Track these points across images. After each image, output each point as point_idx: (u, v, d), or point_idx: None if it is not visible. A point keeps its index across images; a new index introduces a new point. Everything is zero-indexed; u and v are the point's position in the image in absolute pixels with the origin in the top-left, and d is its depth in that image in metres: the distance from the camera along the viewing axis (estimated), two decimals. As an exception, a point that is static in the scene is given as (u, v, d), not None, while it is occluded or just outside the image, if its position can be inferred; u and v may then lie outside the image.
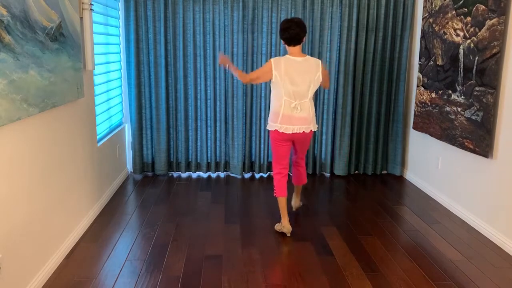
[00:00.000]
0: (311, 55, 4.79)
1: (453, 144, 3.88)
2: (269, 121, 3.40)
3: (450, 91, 3.93)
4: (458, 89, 3.81)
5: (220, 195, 4.36)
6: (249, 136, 4.95)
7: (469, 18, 3.65)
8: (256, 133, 4.95)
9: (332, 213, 3.91)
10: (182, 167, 4.98)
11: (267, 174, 5.09)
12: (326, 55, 4.77)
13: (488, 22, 3.40)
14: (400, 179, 4.97)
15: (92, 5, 3.50)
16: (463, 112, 3.73)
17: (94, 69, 3.54)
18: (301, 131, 3.33)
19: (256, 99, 4.86)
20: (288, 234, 3.44)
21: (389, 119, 5.01)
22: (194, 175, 5.02)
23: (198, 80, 4.83)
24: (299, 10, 4.67)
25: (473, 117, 3.60)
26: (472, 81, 3.60)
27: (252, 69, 4.80)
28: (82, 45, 3.40)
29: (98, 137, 3.98)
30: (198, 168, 5.04)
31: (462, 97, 3.74)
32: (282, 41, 3.41)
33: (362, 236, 3.45)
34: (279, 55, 4.76)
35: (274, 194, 3.48)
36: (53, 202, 2.90)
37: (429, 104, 4.30)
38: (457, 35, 3.82)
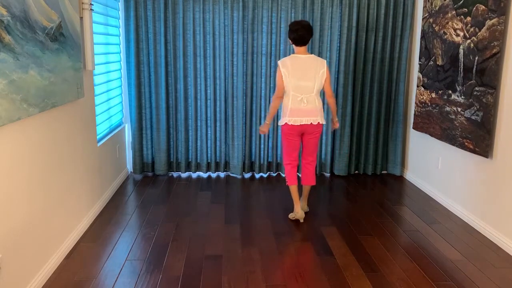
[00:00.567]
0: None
1: (453, 144, 3.88)
2: (280, 118, 3.67)
3: (450, 91, 3.93)
4: (458, 89, 3.81)
5: (220, 195, 4.36)
6: (249, 136, 4.95)
7: (469, 18, 3.65)
8: (256, 133, 4.95)
9: (332, 213, 3.91)
10: (182, 167, 4.98)
11: (267, 174, 5.09)
12: (326, 55, 4.77)
13: (488, 22, 3.40)
14: (400, 179, 4.97)
15: (92, 5, 3.50)
16: (463, 112, 3.73)
17: (94, 69, 3.54)
18: (309, 123, 3.56)
19: (256, 99, 4.86)
20: (301, 221, 3.70)
21: (389, 119, 5.01)
22: (194, 175, 5.02)
23: (198, 80, 4.83)
24: (299, 10, 4.67)
25: (473, 117, 3.60)
26: (472, 81, 3.60)
27: (252, 69, 4.81)
28: (82, 45, 3.41)
29: (98, 137, 3.98)
30: (198, 168, 5.04)
31: (462, 97, 3.74)
32: (290, 41, 3.62)
33: (362, 236, 3.45)
34: (279, 55, 4.77)
35: (286, 183, 3.74)
36: (53, 202, 2.90)
37: (429, 104, 4.30)
38: (457, 35, 3.82)
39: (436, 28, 4.17)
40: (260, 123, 4.92)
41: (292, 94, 3.53)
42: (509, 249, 3.22)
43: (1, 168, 2.26)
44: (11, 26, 2.27)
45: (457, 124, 3.81)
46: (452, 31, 3.90)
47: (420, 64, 4.51)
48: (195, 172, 5.03)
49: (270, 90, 4.85)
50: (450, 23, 3.94)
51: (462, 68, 3.74)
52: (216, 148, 4.97)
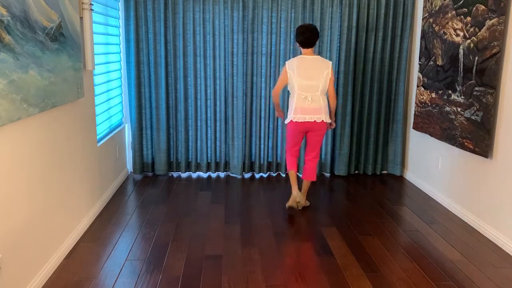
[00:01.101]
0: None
1: (453, 144, 3.88)
2: (286, 116, 3.83)
3: (450, 91, 3.93)
4: (458, 89, 3.81)
5: (220, 195, 4.36)
6: (249, 136, 4.95)
7: (469, 18, 3.65)
8: (256, 133, 4.95)
9: (332, 213, 3.91)
10: (182, 167, 4.98)
11: (267, 174, 5.09)
12: (326, 55, 4.77)
13: (488, 22, 3.40)
14: (400, 179, 4.97)
15: (92, 5, 3.50)
16: (463, 112, 3.73)
17: (94, 69, 3.54)
18: (313, 120, 3.70)
19: (256, 99, 4.86)
20: (299, 207, 3.85)
21: (389, 119, 5.02)
22: (194, 175, 5.02)
23: (198, 80, 4.83)
24: (299, 10, 4.67)
25: (473, 117, 3.60)
26: (472, 81, 3.60)
27: (252, 69, 4.81)
28: (82, 45, 3.41)
29: (98, 137, 3.98)
30: (198, 168, 5.04)
31: (462, 97, 3.74)
32: (297, 43, 3.81)
33: (362, 236, 3.45)
34: (279, 55, 4.77)
35: (288, 169, 3.94)
36: (53, 202, 2.90)
37: (429, 104, 4.30)
38: (457, 35, 3.82)
39: (436, 28, 4.17)
40: (260, 123, 4.92)
41: (298, 92, 3.69)
42: (509, 249, 3.22)
43: (1, 168, 2.26)
44: (11, 26, 2.27)
45: (457, 124, 3.81)
46: (452, 31, 3.90)
47: (420, 64, 4.51)
48: (195, 172, 5.03)
49: (270, 90, 4.85)
50: (450, 23, 3.94)
51: (462, 68, 3.74)
52: (216, 148, 4.97)
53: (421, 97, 4.46)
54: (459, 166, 3.91)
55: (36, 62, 2.56)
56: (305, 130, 3.76)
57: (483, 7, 3.46)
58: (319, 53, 4.79)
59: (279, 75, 4.81)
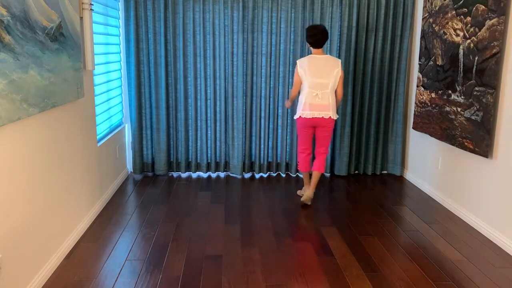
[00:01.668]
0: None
1: (453, 144, 3.88)
2: (295, 112, 3.98)
3: (450, 91, 3.93)
4: (458, 89, 3.81)
5: (220, 195, 4.36)
6: (249, 136, 4.95)
7: (469, 18, 3.65)
8: (256, 133, 4.95)
9: (332, 213, 3.91)
10: (182, 167, 4.98)
11: (267, 174, 5.09)
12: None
13: (488, 22, 3.40)
14: (400, 179, 4.97)
15: (92, 5, 3.50)
16: (463, 112, 3.73)
17: (94, 69, 3.54)
18: (321, 116, 3.89)
19: (256, 99, 4.86)
20: (308, 203, 4.06)
21: (389, 119, 5.02)
22: (194, 175, 5.02)
23: (198, 80, 4.83)
24: (299, 10, 4.67)
25: (473, 117, 3.60)
26: (472, 81, 3.60)
27: (252, 69, 4.81)
28: (82, 45, 3.41)
29: (98, 137, 3.98)
30: (198, 168, 5.04)
31: (462, 97, 3.74)
32: (307, 43, 3.99)
33: (362, 236, 3.45)
34: (279, 55, 4.77)
35: (298, 167, 4.20)
36: (53, 202, 2.90)
37: (429, 104, 4.30)
38: (457, 35, 3.82)
39: (436, 28, 4.17)
40: (260, 123, 4.92)
41: (308, 90, 3.87)
42: (509, 249, 3.22)
43: (1, 168, 2.26)
44: (11, 26, 2.27)
45: (457, 124, 3.81)
46: (452, 31, 3.90)
47: (420, 64, 4.51)
48: (195, 172, 5.03)
49: (270, 90, 4.85)
50: (450, 23, 3.94)
51: (462, 68, 3.74)
52: (216, 148, 4.97)
53: (421, 97, 4.46)
54: (459, 166, 3.91)
55: (36, 62, 2.56)
56: (313, 125, 3.95)
57: (483, 7, 3.46)
58: (319, 53, 4.79)
59: (279, 75, 4.82)
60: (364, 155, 5.07)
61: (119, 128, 4.67)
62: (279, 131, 4.99)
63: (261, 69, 4.80)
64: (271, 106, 4.91)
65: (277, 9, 4.68)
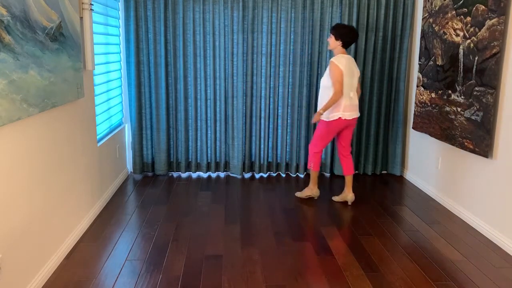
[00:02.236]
0: (311, 55, 4.79)
1: (453, 144, 3.88)
2: (329, 113, 3.87)
3: (450, 91, 3.93)
4: (458, 89, 3.81)
5: (220, 195, 4.36)
6: (249, 136, 4.95)
7: (469, 18, 3.65)
8: (256, 133, 4.95)
9: (332, 213, 3.91)
10: (182, 167, 4.98)
11: (267, 174, 5.09)
12: (326, 55, 4.77)
13: (488, 22, 3.40)
14: (400, 179, 4.97)
15: (92, 5, 3.50)
16: (463, 112, 3.73)
17: (94, 69, 3.54)
18: (354, 117, 3.93)
19: (256, 99, 4.86)
20: (316, 197, 4.22)
21: (389, 119, 5.02)
22: (194, 175, 5.02)
23: (198, 80, 4.83)
24: (299, 10, 4.67)
25: (473, 117, 3.60)
26: (472, 81, 3.60)
27: (252, 69, 4.81)
28: (82, 45, 3.41)
29: (98, 137, 3.98)
30: (198, 168, 5.05)
31: (462, 97, 3.74)
32: (339, 41, 3.89)
33: (362, 236, 3.45)
34: (279, 55, 4.77)
35: (310, 167, 4.13)
36: (53, 202, 2.90)
37: (429, 104, 4.30)
38: (457, 35, 3.82)
39: (436, 28, 4.17)
40: (260, 123, 4.92)
41: (345, 91, 3.82)
42: (509, 249, 3.22)
43: (1, 168, 2.26)
44: (11, 26, 2.27)
45: (457, 124, 3.81)
46: (452, 31, 3.90)
47: (420, 64, 4.51)
48: (195, 172, 5.03)
49: (270, 90, 4.85)
50: (450, 23, 3.94)
51: (462, 68, 3.74)
52: (216, 148, 4.97)
53: (421, 97, 4.46)
54: (459, 166, 3.91)
55: (36, 62, 2.56)
56: (346, 126, 3.96)
57: (483, 7, 3.46)
58: (319, 53, 4.79)
59: (279, 75, 4.82)
60: (364, 155, 5.07)
61: (119, 128, 4.67)
62: (279, 131, 4.99)
63: (261, 69, 4.80)
64: (271, 106, 4.91)
65: (277, 9, 4.68)
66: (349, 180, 4.12)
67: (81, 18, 3.38)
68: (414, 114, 4.61)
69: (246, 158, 4.99)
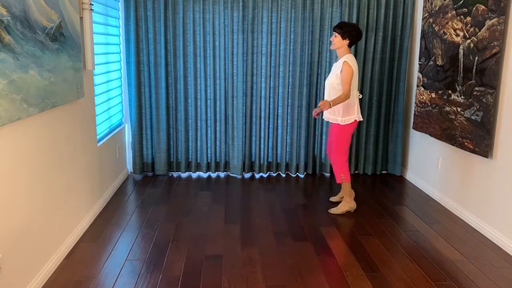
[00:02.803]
0: (311, 55, 4.79)
1: (453, 144, 3.88)
2: (344, 116, 3.73)
3: (450, 91, 3.93)
4: (458, 89, 3.81)
5: (220, 195, 4.36)
6: (249, 136, 4.95)
7: (469, 18, 3.65)
8: (256, 133, 4.95)
9: (332, 213, 3.91)
10: (182, 167, 4.98)
11: (267, 174, 5.09)
12: (326, 55, 4.77)
13: (488, 22, 3.40)
14: (400, 179, 4.97)
15: (92, 5, 3.50)
16: (463, 112, 3.73)
17: (94, 69, 3.55)
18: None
19: (256, 99, 4.86)
20: (352, 211, 3.96)
21: (389, 119, 5.02)
22: (194, 175, 5.02)
23: (198, 80, 4.83)
24: (299, 10, 4.67)
25: (473, 117, 3.60)
26: (472, 81, 3.60)
27: (252, 69, 4.80)
28: (82, 45, 3.41)
29: (98, 137, 3.98)
30: (198, 168, 5.05)
31: (462, 97, 3.74)
32: (347, 40, 3.70)
33: (362, 236, 3.45)
34: (279, 55, 4.77)
35: (342, 179, 3.85)
36: (53, 202, 2.90)
37: (429, 104, 4.30)
38: (457, 35, 3.82)
39: (436, 28, 4.17)
40: (260, 123, 4.92)
41: (353, 92, 3.73)
42: (509, 249, 3.22)
43: (1, 168, 2.26)
44: (11, 26, 2.27)
45: (457, 124, 3.81)
46: (452, 31, 3.90)
47: (420, 64, 4.51)
48: (195, 172, 5.03)
49: (270, 90, 4.85)
50: (450, 23, 3.94)
51: (462, 68, 3.74)
52: (216, 148, 4.97)
53: (421, 97, 4.46)
54: (459, 166, 3.91)
55: (36, 62, 2.56)
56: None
57: (483, 7, 3.46)
58: (319, 54, 4.79)
59: (279, 75, 4.81)
60: (364, 155, 5.07)
61: (119, 128, 4.67)
62: (279, 131, 4.99)
63: (261, 69, 4.80)
64: (271, 106, 4.91)
65: (277, 9, 4.68)
66: (348, 186, 3.96)
67: (81, 18, 3.38)
68: (414, 114, 4.61)
69: (246, 158, 4.99)
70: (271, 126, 4.97)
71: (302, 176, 5.03)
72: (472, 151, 3.61)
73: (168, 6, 4.61)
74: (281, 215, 3.85)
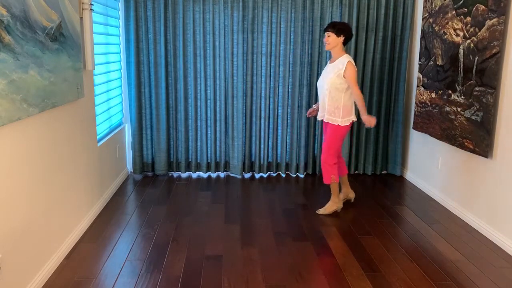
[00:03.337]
0: (311, 55, 4.79)
1: (453, 144, 3.88)
2: (343, 118, 3.69)
3: (450, 91, 3.93)
4: (458, 89, 3.81)
5: (220, 195, 4.36)
6: (249, 136, 4.95)
7: (469, 18, 3.65)
8: (256, 133, 4.95)
9: (332, 213, 3.91)
10: (182, 167, 4.98)
11: (267, 174, 5.09)
12: (326, 55, 4.77)
13: (488, 22, 3.40)
14: (400, 179, 4.97)
15: (92, 5, 3.50)
16: (463, 112, 3.73)
17: (94, 69, 3.55)
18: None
19: (256, 99, 4.86)
20: (339, 210, 3.95)
21: (389, 119, 5.02)
22: (194, 175, 5.02)
23: (198, 80, 4.83)
24: (299, 10, 4.67)
25: (473, 117, 3.60)
26: (472, 81, 3.60)
27: (252, 69, 4.80)
28: (82, 45, 3.41)
29: (98, 137, 3.98)
30: (198, 168, 5.04)
31: (462, 97, 3.74)
32: (342, 37, 3.67)
33: (362, 236, 3.45)
34: (279, 55, 4.77)
35: (332, 180, 3.81)
36: (53, 202, 2.90)
37: (429, 104, 4.30)
38: (457, 35, 3.82)
39: (436, 28, 4.17)
40: (260, 123, 4.92)
41: (349, 93, 3.70)
42: (509, 249, 3.22)
43: (1, 168, 2.26)
44: (11, 26, 2.27)
45: (457, 124, 3.81)
46: (452, 31, 3.90)
47: (420, 64, 4.51)
48: (195, 172, 5.03)
49: (270, 90, 4.85)
50: (450, 23, 3.94)
51: (462, 68, 3.74)
52: (216, 148, 4.97)
53: (421, 97, 4.46)
54: (459, 166, 3.91)
55: (36, 62, 2.56)
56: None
57: (483, 7, 3.46)
58: (319, 54, 4.79)
59: (279, 75, 4.81)
60: (364, 155, 5.07)
61: (119, 128, 4.67)
62: (279, 131, 4.99)
63: (261, 69, 4.80)
64: (271, 106, 4.91)
65: (277, 9, 4.68)
66: (346, 179, 4.10)
67: (81, 18, 3.38)
68: (414, 114, 4.61)
69: (246, 158, 4.99)
70: (271, 126, 4.97)
71: (302, 176, 5.03)
72: (472, 151, 3.61)
73: (168, 6, 4.61)
74: (281, 215, 3.85)
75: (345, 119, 3.71)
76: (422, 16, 4.46)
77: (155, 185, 4.62)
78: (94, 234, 3.41)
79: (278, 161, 5.09)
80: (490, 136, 3.41)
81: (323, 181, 3.86)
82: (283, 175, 5.05)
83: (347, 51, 4.75)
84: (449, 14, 3.95)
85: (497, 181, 3.39)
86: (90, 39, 3.43)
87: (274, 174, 5.08)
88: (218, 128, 4.95)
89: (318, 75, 4.86)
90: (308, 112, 4.09)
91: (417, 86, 4.56)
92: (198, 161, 5.03)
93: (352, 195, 4.15)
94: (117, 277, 2.79)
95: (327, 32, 3.68)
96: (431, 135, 4.28)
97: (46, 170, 2.80)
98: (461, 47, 3.76)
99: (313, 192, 4.46)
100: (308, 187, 4.64)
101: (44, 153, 2.77)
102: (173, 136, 4.94)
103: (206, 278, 2.80)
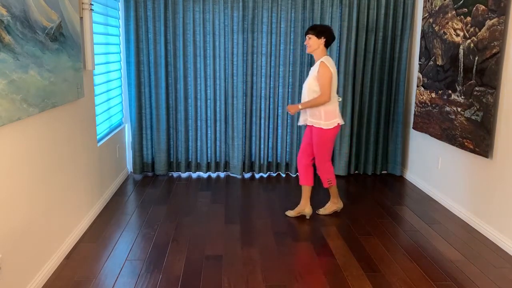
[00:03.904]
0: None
1: (453, 144, 3.88)
2: (326, 120, 3.57)
3: (450, 91, 3.93)
4: (458, 89, 3.81)
5: (220, 195, 4.36)
6: (249, 136, 4.95)
7: (469, 18, 3.65)
8: (256, 133, 4.95)
9: (332, 213, 3.91)
10: (182, 167, 4.98)
11: (267, 174, 5.09)
12: (326, 55, 4.77)
13: (488, 22, 3.40)
14: (400, 179, 4.97)
15: (92, 5, 3.50)
16: (463, 112, 3.73)
17: (94, 69, 3.55)
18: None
19: (256, 99, 4.86)
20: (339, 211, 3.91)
21: (389, 119, 5.02)
22: (194, 175, 5.02)
23: (198, 80, 4.83)
24: (299, 10, 4.67)
25: (473, 117, 3.60)
26: (472, 81, 3.60)
27: (252, 69, 4.80)
28: (82, 45, 3.41)
29: (98, 137, 3.98)
30: (198, 168, 5.04)
31: (462, 97, 3.74)
32: (323, 39, 3.55)
33: (362, 236, 3.45)
34: (279, 55, 4.77)
35: (331, 183, 3.77)
36: (53, 202, 2.90)
37: (429, 104, 4.30)
38: (457, 35, 3.82)
39: (436, 28, 4.17)
40: (260, 123, 4.92)
41: (334, 95, 3.57)
42: (509, 249, 3.22)
43: (1, 168, 2.26)
44: (11, 26, 2.27)
45: (457, 124, 3.81)
46: (452, 31, 3.90)
47: (420, 64, 4.51)
48: (195, 172, 5.03)
49: (270, 90, 4.85)
50: (450, 23, 3.94)
51: (462, 68, 3.74)
52: (216, 148, 4.97)
53: (421, 97, 4.46)
54: (459, 166, 3.91)
55: (36, 62, 2.56)
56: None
57: (483, 7, 3.46)
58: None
59: (279, 75, 4.81)
60: (364, 155, 5.07)
61: (119, 128, 4.67)
62: (279, 131, 4.99)
63: (261, 69, 4.80)
64: (271, 106, 4.91)
65: (277, 9, 4.68)
66: (308, 191, 3.79)
67: (81, 18, 3.38)
68: (414, 114, 4.61)
69: (246, 158, 4.99)
70: (271, 126, 4.97)
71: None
72: (472, 151, 3.61)
73: (168, 6, 4.61)
74: (281, 215, 3.85)
75: (329, 122, 3.56)
76: (422, 16, 4.46)
77: (155, 185, 4.62)
78: (94, 234, 3.41)
79: (278, 161, 5.09)
80: (490, 136, 3.41)
81: (323, 186, 3.86)
82: (283, 175, 5.05)
83: (347, 51, 4.75)
84: (449, 14, 3.95)
85: (497, 181, 3.39)
86: (90, 39, 3.43)
87: (274, 174, 5.08)
88: (218, 128, 4.95)
89: (318, 75, 4.86)
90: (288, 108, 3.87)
91: (417, 86, 4.56)
92: (198, 161, 5.03)
93: (308, 211, 3.78)
94: (117, 277, 2.79)
95: (308, 35, 3.57)
96: (431, 135, 4.28)
97: (46, 170, 2.80)
98: (461, 47, 3.76)
99: (313, 192, 4.45)
100: (308, 187, 4.63)
101: (44, 153, 2.77)
102: (173, 136, 4.94)
103: (206, 278, 2.80)
